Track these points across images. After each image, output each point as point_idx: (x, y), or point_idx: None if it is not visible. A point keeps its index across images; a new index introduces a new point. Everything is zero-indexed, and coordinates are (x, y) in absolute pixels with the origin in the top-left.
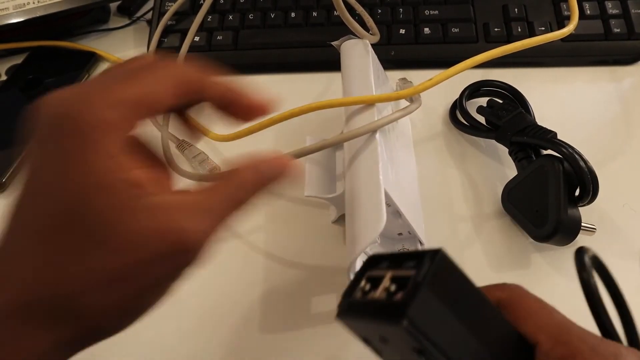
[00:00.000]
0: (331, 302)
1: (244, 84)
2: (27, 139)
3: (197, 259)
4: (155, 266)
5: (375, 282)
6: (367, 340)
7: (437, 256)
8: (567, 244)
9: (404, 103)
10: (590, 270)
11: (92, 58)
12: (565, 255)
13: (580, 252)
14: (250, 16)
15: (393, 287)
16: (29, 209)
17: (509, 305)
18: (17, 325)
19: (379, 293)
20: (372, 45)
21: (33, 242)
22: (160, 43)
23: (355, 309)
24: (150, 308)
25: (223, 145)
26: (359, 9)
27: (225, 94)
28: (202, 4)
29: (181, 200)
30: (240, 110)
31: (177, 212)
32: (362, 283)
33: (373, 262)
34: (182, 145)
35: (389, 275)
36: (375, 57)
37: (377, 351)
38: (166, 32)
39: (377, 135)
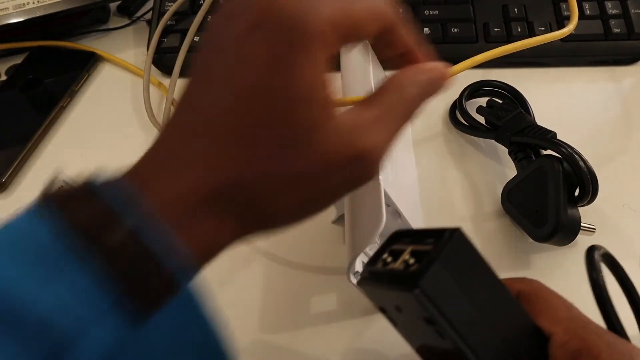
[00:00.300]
0: (331, 302)
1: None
2: (226, 17)
3: (375, 172)
4: (339, 175)
5: (396, 255)
6: (383, 310)
7: (455, 234)
8: (567, 244)
9: None
10: (600, 268)
11: (92, 58)
12: (565, 255)
13: (591, 250)
14: None
15: (412, 260)
16: (219, 99)
17: (529, 297)
18: (205, 212)
19: (397, 264)
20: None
21: (221, 131)
22: (160, 43)
23: (374, 277)
24: (318, 213)
25: None
26: None
27: (409, 48)
28: (202, 4)
29: (360, 119)
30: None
31: (359, 131)
32: (385, 255)
33: (397, 236)
34: None
35: (409, 249)
36: (375, 57)
37: (393, 321)
38: (166, 32)
39: None
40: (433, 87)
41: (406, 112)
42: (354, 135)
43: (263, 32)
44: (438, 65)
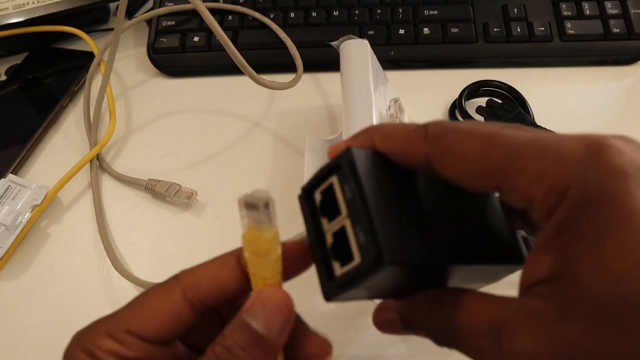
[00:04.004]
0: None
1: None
2: None
3: None
4: None
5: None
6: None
7: (350, 168)
8: None
9: (403, 101)
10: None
11: (91, 58)
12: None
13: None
14: (250, 16)
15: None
16: None
17: (439, 156)
18: None
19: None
20: (371, 45)
21: None
22: (160, 43)
23: (343, 285)
24: None
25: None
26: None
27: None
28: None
29: None
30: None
31: None
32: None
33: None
34: (150, 185)
35: (330, 232)
36: (375, 57)
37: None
38: (166, 32)
39: None
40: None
41: None
42: None
43: None
44: (271, 292)
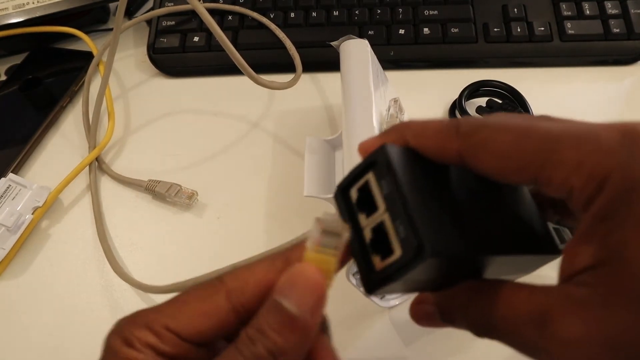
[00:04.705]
0: (330, 302)
1: None
2: None
3: None
4: None
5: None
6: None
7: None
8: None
9: (403, 101)
10: None
11: (91, 58)
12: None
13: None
14: (249, 17)
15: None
16: None
17: (472, 152)
18: None
19: (396, 251)
20: (371, 45)
21: None
22: (160, 43)
23: (386, 277)
24: None
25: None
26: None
27: None
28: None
29: None
30: None
31: None
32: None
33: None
34: (150, 185)
35: (369, 228)
36: (375, 57)
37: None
38: (166, 32)
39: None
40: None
41: None
42: None
43: None
44: (302, 270)
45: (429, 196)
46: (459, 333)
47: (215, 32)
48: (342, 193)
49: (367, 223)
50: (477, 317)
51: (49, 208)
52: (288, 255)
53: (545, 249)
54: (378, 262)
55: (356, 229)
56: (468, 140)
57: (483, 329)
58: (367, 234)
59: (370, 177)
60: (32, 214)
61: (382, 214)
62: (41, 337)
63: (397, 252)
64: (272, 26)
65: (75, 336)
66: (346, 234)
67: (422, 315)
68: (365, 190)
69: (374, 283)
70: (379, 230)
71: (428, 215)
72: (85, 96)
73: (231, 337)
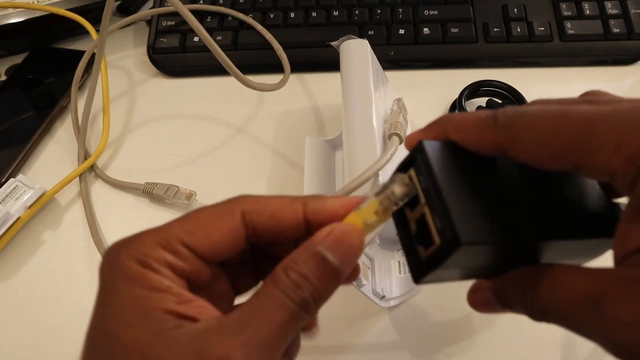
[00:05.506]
0: (330, 302)
1: None
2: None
3: None
4: None
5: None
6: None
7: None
8: None
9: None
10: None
11: (92, 59)
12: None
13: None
14: (250, 16)
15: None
16: None
17: (512, 143)
18: None
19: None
20: (371, 45)
21: None
22: (160, 43)
23: (427, 265)
24: None
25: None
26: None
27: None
28: (201, 4)
29: (217, 323)
30: None
31: (207, 338)
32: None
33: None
34: (148, 188)
35: (413, 219)
36: (375, 57)
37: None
38: (166, 32)
39: (377, 135)
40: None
41: (284, 319)
42: (201, 341)
43: None
44: (342, 229)
45: (468, 188)
46: (459, 333)
47: (199, 33)
48: None
49: (411, 216)
50: (532, 302)
51: (44, 210)
52: (307, 200)
53: (605, 232)
54: (422, 252)
55: (403, 222)
56: (506, 132)
57: (540, 314)
58: (412, 226)
59: (412, 172)
60: (23, 213)
61: (423, 207)
62: (34, 338)
63: (437, 242)
64: (258, 27)
65: (69, 337)
66: (406, 196)
67: (480, 302)
68: (408, 184)
69: (419, 272)
70: (422, 222)
71: (464, 207)
72: (74, 103)
73: (233, 260)
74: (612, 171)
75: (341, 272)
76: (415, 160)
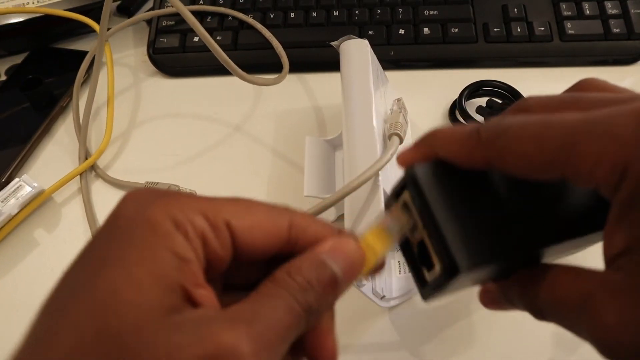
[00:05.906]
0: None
1: None
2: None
3: None
4: None
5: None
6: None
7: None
8: None
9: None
10: None
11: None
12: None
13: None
14: (250, 16)
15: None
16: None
17: (498, 158)
18: None
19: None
20: (371, 45)
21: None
22: (160, 43)
23: (433, 288)
24: None
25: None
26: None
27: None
28: (201, 4)
29: (222, 312)
30: None
31: (211, 326)
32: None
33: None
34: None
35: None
36: (375, 57)
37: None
38: (166, 32)
39: (377, 135)
40: (345, 275)
41: (293, 314)
42: (206, 329)
43: None
44: (348, 241)
45: (462, 209)
46: (459, 333)
47: (198, 31)
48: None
49: (413, 239)
50: (531, 301)
51: (40, 209)
52: (343, 231)
53: (601, 225)
54: (426, 274)
55: (406, 245)
56: (491, 147)
57: (538, 313)
58: (414, 249)
59: (407, 196)
60: (17, 211)
61: (421, 230)
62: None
63: (437, 267)
64: (258, 26)
65: None
66: (406, 230)
67: (490, 301)
68: (406, 208)
69: (425, 293)
70: (422, 245)
71: (460, 231)
72: (76, 99)
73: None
74: (595, 180)
75: (342, 286)
76: (406, 185)
